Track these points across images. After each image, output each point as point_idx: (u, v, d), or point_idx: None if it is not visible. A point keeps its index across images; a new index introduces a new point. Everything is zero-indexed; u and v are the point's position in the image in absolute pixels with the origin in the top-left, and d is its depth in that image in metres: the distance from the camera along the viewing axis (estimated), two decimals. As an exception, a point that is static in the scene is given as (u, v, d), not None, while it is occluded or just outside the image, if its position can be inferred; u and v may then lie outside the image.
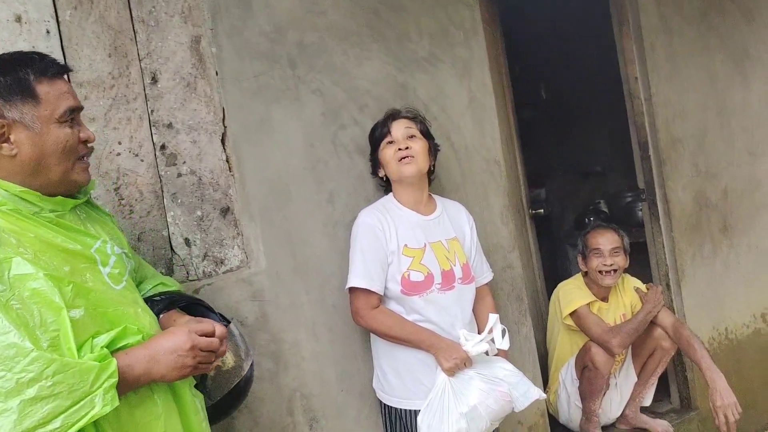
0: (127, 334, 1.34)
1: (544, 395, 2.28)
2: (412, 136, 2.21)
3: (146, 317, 1.46)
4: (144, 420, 1.34)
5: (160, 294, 1.67)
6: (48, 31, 1.85)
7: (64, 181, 1.40)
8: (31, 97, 1.33)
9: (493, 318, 2.18)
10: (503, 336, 2.17)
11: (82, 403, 1.16)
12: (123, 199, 1.96)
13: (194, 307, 1.70)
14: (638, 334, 2.94)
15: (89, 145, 1.46)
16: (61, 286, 1.25)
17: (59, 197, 1.40)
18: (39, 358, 1.13)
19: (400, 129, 2.22)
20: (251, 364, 1.73)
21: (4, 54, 1.39)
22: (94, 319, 1.30)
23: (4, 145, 1.32)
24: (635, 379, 3.13)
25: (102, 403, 1.17)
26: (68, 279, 1.28)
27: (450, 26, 2.65)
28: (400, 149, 2.19)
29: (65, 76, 1.44)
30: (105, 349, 1.26)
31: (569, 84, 5.40)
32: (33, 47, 1.81)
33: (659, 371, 3.14)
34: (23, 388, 1.11)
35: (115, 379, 1.20)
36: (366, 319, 2.15)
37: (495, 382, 2.15)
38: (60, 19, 1.87)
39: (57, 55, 1.84)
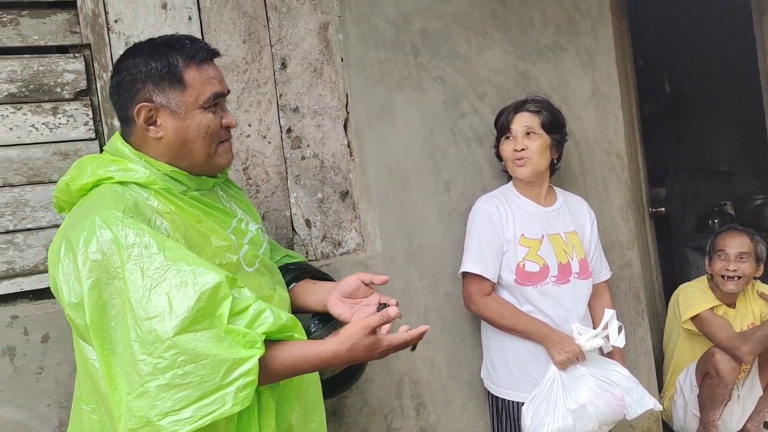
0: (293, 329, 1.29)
1: (660, 406, 2.19)
2: (530, 133, 2.17)
3: (279, 298, 1.49)
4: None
5: (291, 264, 1.71)
6: (190, 18, 1.96)
7: (208, 164, 1.43)
8: (179, 83, 1.36)
9: (609, 313, 2.12)
10: (619, 332, 2.10)
11: (213, 397, 1.14)
12: (250, 179, 2.05)
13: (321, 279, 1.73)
14: None
15: (229, 129, 1.48)
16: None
17: (204, 176, 1.46)
18: (173, 346, 1.14)
19: (520, 125, 2.17)
20: None
21: (157, 38, 1.45)
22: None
23: (151, 127, 1.37)
24: (760, 392, 2.93)
25: (233, 401, 1.14)
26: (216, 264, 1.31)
27: (576, 14, 2.58)
28: (515, 150, 2.16)
29: (213, 61, 1.46)
30: (256, 333, 1.21)
31: (694, 78, 5.13)
32: (176, 32, 1.92)
33: (789, 385, 2.94)
34: (159, 373, 1.13)
35: (252, 378, 1.16)
36: (478, 306, 2.15)
37: (608, 384, 2.08)
38: (201, 6, 1.97)
39: (197, 40, 1.95)
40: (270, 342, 1.23)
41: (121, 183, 1.33)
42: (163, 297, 1.17)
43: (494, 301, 2.15)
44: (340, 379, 1.72)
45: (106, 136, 1.83)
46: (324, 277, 1.74)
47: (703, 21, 4.74)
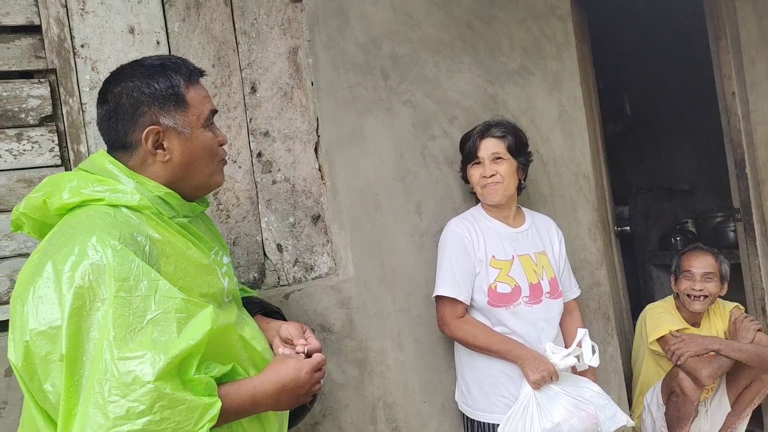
0: (235, 374, 1.30)
1: (632, 422, 2.20)
2: (498, 159, 2.19)
3: (251, 328, 1.47)
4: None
5: (246, 298, 1.69)
6: (158, 42, 1.94)
7: (205, 184, 1.42)
8: (183, 103, 1.35)
9: (582, 332, 2.14)
10: (593, 352, 2.12)
11: None
12: (221, 204, 2.03)
13: (272, 314, 1.71)
14: (730, 365, 2.81)
15: (223, 147, 1.47)
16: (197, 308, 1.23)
17: (193, 203, 1.43)
18: (153, 391, 1.08)
19: (487, 151, 2.19)
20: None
21: (152, 59, 1.40)
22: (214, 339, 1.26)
23: (159, 151, 1.33)
24: (728, 408, 2.97)
25: None
26: (205, 300, 1.29)
27: (542, 39, 2.63)
28: (484, 176, 2.18)
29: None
30: (212, 379, 1.21)
31: (654, 100, 5.27)
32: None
33: (756, 403, 2.98)
34: (133, 417, 1.07)
35: (214, 423, 1.16)
36: (452, 328, 2.15)
37: (581, 401, 2.09)
38: (169, 31, 1.96)
39: (166, 65, 1.93)
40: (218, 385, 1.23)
41: (112, 206, 1.27)
42: (148, 339, 1.12)
43: (468, 323, 2.15)
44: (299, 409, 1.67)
45: (72, 162, 1.80)
46: (273, 311, 1.72)
47: (662, 44, 4.87)
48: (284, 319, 1.71)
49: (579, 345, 2.11)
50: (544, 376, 2.07)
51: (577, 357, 2.12)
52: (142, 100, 1.32)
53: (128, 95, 1.32)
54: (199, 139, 1.37)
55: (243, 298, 1.66)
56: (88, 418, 1.07)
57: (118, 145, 1.35)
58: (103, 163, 1.33)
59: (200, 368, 1.19)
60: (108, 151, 1.37)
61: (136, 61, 1.40)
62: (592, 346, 2.11)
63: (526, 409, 2.07)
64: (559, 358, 2.08)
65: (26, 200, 1.32)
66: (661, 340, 2.91)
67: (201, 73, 1.42)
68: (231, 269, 1.50)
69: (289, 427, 1.61)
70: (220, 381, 1.24)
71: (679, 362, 2.75)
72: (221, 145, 1.45)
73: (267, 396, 1.29)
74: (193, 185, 1.40)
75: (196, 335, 1.16)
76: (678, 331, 2.91)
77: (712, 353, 2.81)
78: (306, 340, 1.46)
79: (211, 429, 1.16)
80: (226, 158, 1.49)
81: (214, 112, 1.43)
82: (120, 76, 1.36)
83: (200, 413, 1.13)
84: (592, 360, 2.10)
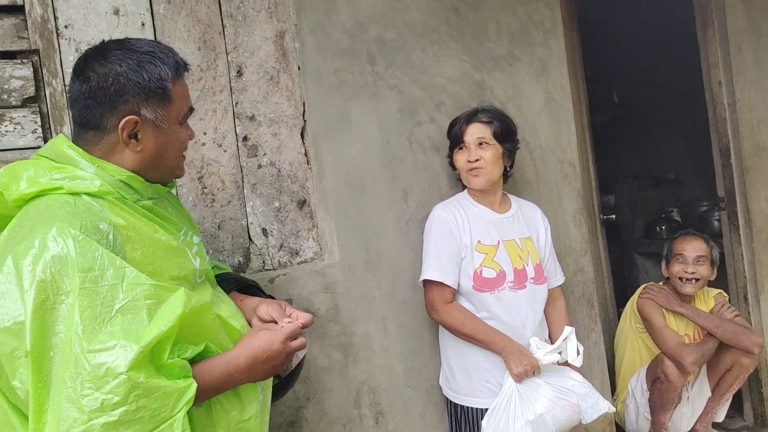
0: (208, 353, 1.29)
1: (613, 408, 2.23)
2: (483, 144, 2.20)
3: (227, 306, 1.46)
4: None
5: (217, 276, 1.66)
6: (143, 24, 1.92)
7: (166, 176, 1.40)
8: (167, 98, 1.32)
9: (568, 330, 2.15)
10: (578, 353, 2.13)
11: (162, 427, 1.11)
12: (206, 187, 2.03)
13: (248, 288, 1.71)
14: (713, 351, 2.86)
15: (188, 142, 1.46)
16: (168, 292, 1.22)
17: (158, 184, 1.39)
18: (126, 382, 1.07)
19: (473, 136, 2.20)
20: (305, 351, 1.66)
21: (141, 43, 1.34)
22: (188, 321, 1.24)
23: (133, 141, 1.30)
24: (709, 393, 3.02)
25: (181, 428, 1.13)
26: (177, 283, 1.28)
27: (530, 25, 2.63)
28: (469, 161, 2.19)
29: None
30: (186, 361, 1.20)
31: (642, 88, 5.28)
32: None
33: (735, 387, 3.03)
34: (108, 409, 1.06)
35: (191, 404, 1.16)
36: (440, 313, 2.16)
37: (563, 392, 2.11)
38: (154, 13, 1.95)
39: (150, 47, 1.92)
40: (192, 364, 1.23)
41: (72, 194, 1.23)
42: (118, 329, 1.11)
43: (456, 309, 2.16)
44: (281, 384, 1.65)
45: (55, 144, 1.78)
46: (250, 284, 1.71)
47: (650, 33, 4.88)
48: (262, 293, 1.70)
49: (564, 341, 2.13)
50: (527, 370, 2.08)
51: (560, 353, 2.13)
52: (128, 89, 1.27)
53: (114, 79, 1.27)
54: (174, 135, 1.36)
55: (217, 275, 1.65)
56: (62, 413, 1.06)
57: (89, 126, 1.30)
58: (62, 148, 1.28)
59: (174, 351, 1.18)
60: (75, 128, 1.33)
61: (122, 41, 1.34)
62: (577, 346, 2.13)
63: (509, 401, 2.09)
64: (543, 353, 2.10)
65: None
66: (647, 323, 2.96)
67: (186, 67, 1.39)
68: (202, 249, 1.48)
69: (275, 398, 1.60)
70: (194, 360, 1.24)
71: (642, 298, 2.98)
72: (190, 139, 1.44)
73: (240, 369, 1.29)
74: (155, 175, 1.37)
75: (168, 320, 1.15)
76: (664, 316, 2.96)
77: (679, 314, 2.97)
78: (290, 316, 1.46)
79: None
80: (204, 143, 1.51)
81: (192, 109, 1.42)
82: (107, 56, 1.29)
83: (176, 397, 1.13)
84: (576, 360, 2.12)
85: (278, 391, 1.61)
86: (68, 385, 1.06)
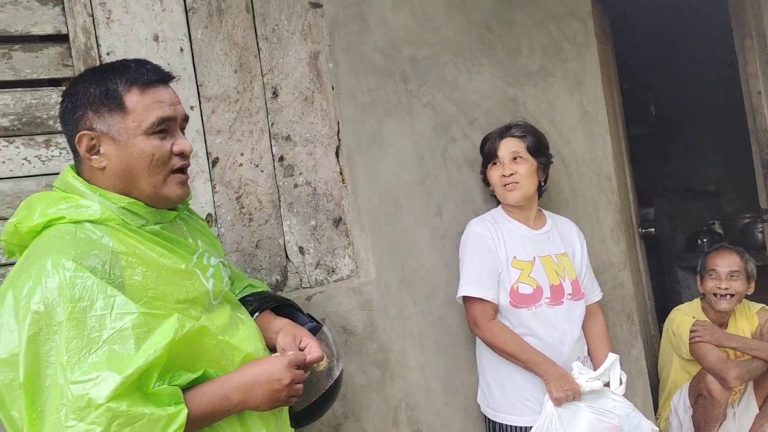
0: (208, 377, 1.27)
1: (657, 429, 2.18)
2: (517, 158, 2.19)
3: (247, 328, 1.43)
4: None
5: (251, 295, 1.65)
6: (182, 49, 1.98)
7: (155, 196, 1.32)
8: (119, 108, 1.27)
9: (612, 357, 2.12)
10: (620, 382, 2.10)
11: None
12: (243, 207, 2.06)
13: (284, 307, 1.69)
14: (762, 371, 2.78)
15: (184, 156, 1.35)
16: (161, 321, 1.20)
17: (165, 210, 1.37)
18: (107, 412, 1.07)
19: (507, 150, 2.20)
20: (341, 369, 1.65)
21: (103, 64, 1.37)
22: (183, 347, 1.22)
23: (94, 157, 1.28)
24: (756, 410, 2.93)
25: None
26: (170, 311, 1.24)
27: (562, 40, 2.62)
28: (504, 176, 2.19)
29: (168, 85, 1.36)
30: (177, 387, 1.19)
31: (680, 100, 5.21)
32: (168, 64, 1.94)
33: (784, 404, 2.94)
34: None
35: (182, 430, 1.14)
36: (483, 330, 2.14)
37: (604, 413, 2.06)
38: (192, 38, 2.00)
39: (189, 72, 1.98)
40: (184, 391, 1.21)
41: (74, 222, 1.23)
42: (103, 359, 1.10)
43: (498, 327, 2.14)
44: (314, 406, 1.60)
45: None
46: (288, 302, 1.69)
47: (687, 44, 4.82)
48: (300, 312, 1.68)
49: (607, 370, 2.09)
50: (568, 396, 2.05)
51: (601, 379, 2.09)
52: (80, 103, 1.28)
53: (72, 97, 1.30)
54: (137, 147, 1.28)
55: (249, 296, 1.64)
56: None
57: (72, 150, 1.32)
58: (68, 178, 1.30)
59: (165, 378, 1.18)
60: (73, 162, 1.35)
61: (100, 64, 1.36)
62: (620, 375, 2.09)
63: (549, 425, 2.05)
64: (585, 379, 2.06)
65: (6, 226, 1.30)
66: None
67: (163, 76, 1.34)
68: (220, 270, 1.45)
69: (309, 420, 1.59)
70: (190, 387, 1.23)
71: (691, 342, 2.78)
72: (179, 154, 1.33)
73: (237, 390, 1.25)
74: (144, 196, 1.31)
75: (155, 349, 1.14)
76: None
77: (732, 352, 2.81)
78: (302, 349, 1.41)
79: None
80: (188, 170, 1.37)
81: (168, 118, 1.31)
82: (75, 79, 1.33)
83: (164, 424, 1.12)
84: (618, 389, 2.08)
85: (314, 413, 1.59)
86: (54, 416, 1.08)
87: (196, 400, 1.21)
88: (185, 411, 1.15)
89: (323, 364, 1.55)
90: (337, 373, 1.58)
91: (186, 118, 1.39)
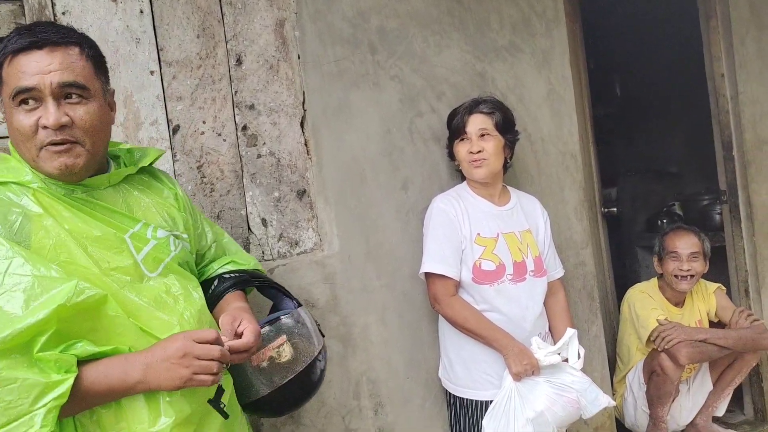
0: (118, 353, 1.22)
1: (613, 402, 2.22)
2: (485, 135, 2.18)
3: (187, 303, 1.35)
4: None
5: (230, 272, 1.60)
6: (141, 11, 1.90)
7: (39, 170, 1.27)
8: (0, 80, 1.24)
9: (570, 332, 2.14)
10: (579, 356, 2.12)
11: (20, 421, 1.07)
12: (205, 177, 2.01)
13: (268, 288, 1.68)
14: (717, 355, 2.84)
15: (53, 130, 1.23)
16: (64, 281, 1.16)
17: (92, 177, 1.32)
18: None
19: (474, 126, 2.18)
20: (323, 355, 1.61)
21: (28, 25, 1.30)
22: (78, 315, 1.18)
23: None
24: (710, 387, 3.01)
25: (41, 423, 1.08)
26: (85, 278, 1.21)
27: (532, 15, 2.60)
28: (471, 152, 2.17)
29: (55, 50, 1.23)
30: (70, 356, 1.15)
31: (644, 81, 5.24)
32: (127, 26, 1.88)
33: (737, 382, 3.02)
34: None
35: (62, 401, 1.10)
36: (443, 306, 2.14)
37: (563, 388, 2.10)
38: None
39: (149, 35, 1.91)
40: (82, 363, 1.17)
41: (2, 183, 1.24)
42: None
43: (459, 303, 2.15)
44: (290, 393, 1.54)
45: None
46: (274, 285, 1.67)
47: (653, 25, 4.85)
48: (287, 295, 1.65)
49: (565, 344, 2.12)
50: (527, 369, 2.07)
51: (559, 354, 2.12)
52: None
53: None
54: (9, 121, 1.24)
55: (225, 273, 1.59)
56: None
57: None
58: (10, 144, 1.31)
59: (58, 345, 1.14)
60: None
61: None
62: (579, 349, 2.12)
63: (509, 400, 2.08)
64: (543, 354, 2.08)
65: None
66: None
67: (30, 43, 1.22)
68: (168, 243, 1.40)
69: (286, 410, 1.60)
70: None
71: (666, 347, 2.77)
72: (43, 127, 1.23)
73: (136, 367, 1.19)
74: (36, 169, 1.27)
75: (40, 313, 1.11)
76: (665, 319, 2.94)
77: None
78: (240, 335, 1.35)
79: (69, 408, 1.13)
80: (58, 145, 1.24)
81: (25, 89, 1.21)
82: None
83: (39, 391, 1.09)
84: (576, 363, 2.11)
85: (289, 399, 1.56)
86: None
87: (93, 373, 1.17)
88: (69, 382, 1.11)
89: (286, 350, 1.50)
90: (309, 360, 1.53)
91: (66, 85, 1.23)
